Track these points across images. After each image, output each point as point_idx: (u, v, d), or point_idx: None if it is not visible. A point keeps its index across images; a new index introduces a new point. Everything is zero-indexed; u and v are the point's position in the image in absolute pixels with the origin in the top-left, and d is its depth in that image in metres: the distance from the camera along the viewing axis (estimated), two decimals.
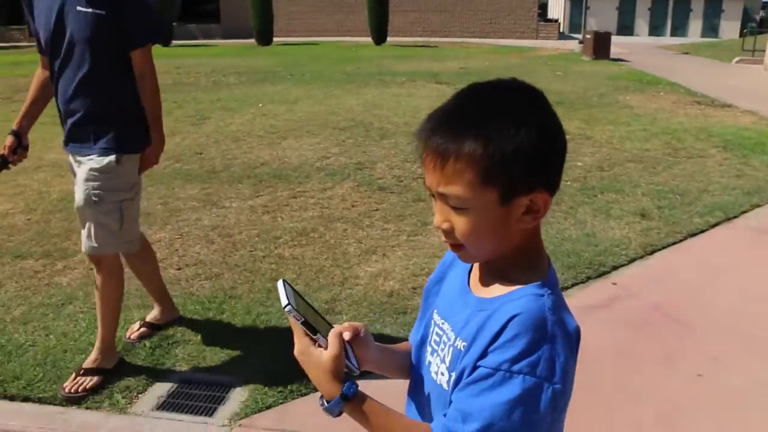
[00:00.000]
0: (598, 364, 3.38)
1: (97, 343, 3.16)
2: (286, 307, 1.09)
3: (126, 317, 3.67)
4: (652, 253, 4.94)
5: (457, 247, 1.10)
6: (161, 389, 3.08)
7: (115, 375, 3.14)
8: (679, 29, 45.86)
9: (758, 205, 6.14)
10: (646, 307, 4.11)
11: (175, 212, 5.64)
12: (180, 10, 37.83)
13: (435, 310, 1.24)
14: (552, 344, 1.00)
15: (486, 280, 1.14)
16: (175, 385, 3.09)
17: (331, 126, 9.33)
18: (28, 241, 5.03)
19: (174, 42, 31.72)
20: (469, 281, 1.19)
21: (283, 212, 5.59)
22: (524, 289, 1.06)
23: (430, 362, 1.20)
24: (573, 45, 29.73)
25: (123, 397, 3.01)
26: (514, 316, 1.01)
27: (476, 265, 1.19)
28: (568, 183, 6.58)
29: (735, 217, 5.82)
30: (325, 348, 1.12)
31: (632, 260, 4.77)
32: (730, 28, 44.60)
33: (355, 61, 20.83)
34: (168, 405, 2.96)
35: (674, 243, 5.16)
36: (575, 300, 4.13)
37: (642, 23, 46.07)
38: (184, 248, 4.78)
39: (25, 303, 3.92)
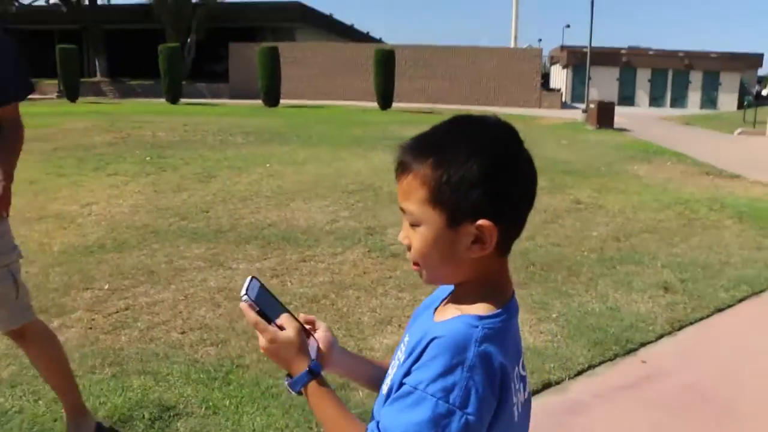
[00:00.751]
0: None
1: (66, 417, 2.88)
2: (243, 296, 1.14)
3: (124, 384, 3.41)
4: (680, 329, 4.69)
5: (415, 265, 1.14)
6: None
7: None
8: (678, 101, 46.48)
9: None
10: (679, 387, 3.85)
11: (179, 271, 5.41)
12: (190, 69, 38.41)
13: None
14: (471, 374, 1.01)
15: (445, 307, 1.17)
16: None
17: (340, 189, 9.19)
18: None
19: (182, 100, 32.10)
20: (438, 306, 1.21)
21: (293, 276, 5.37)
22: (463, 317, 1.08)
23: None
24: (576, 114, 30.01)
25: None
26: (435, 338, 1.04)
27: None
28: (585, 254, 6.39)
29: (762, 291, 5.60)
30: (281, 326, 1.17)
31: (660, 336, 4.52)
32: (727, 100, 45.24)
33: (361, 125, 20.92)
34: None
35: (702, 318, 4.92)
36: (605, 378, 3.89)
37: (642, 94, 46.69)
38: (189, 311, 4.54)
39: (15, 362, 3.65)
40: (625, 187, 10.30)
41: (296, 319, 1.21)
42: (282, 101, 31.92)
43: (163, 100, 32.77)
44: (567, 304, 4.98)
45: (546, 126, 23.71)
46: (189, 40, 41.49)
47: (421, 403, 1.00)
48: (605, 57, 42.02)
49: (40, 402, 3.23)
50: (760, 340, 4.67)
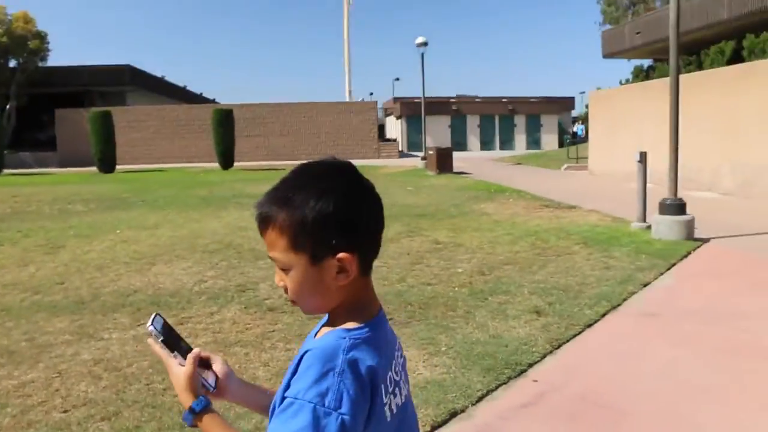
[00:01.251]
0: None
1: None
2: (149, 328, 1.22)
3: None
4: (558, 347, 4.97)
5: (293, 302, 1.24)
6: None
7: None
8: (506, 143, 49.56)
9: (634, 292, 6.45)
10: (573, 398, 4.07)
11: (45, 348, 5.00)
12: (10, 138, 36.02)
13: None
14: (341, 378, 1.11)
15: (321, 330, 1.27)
16: None
17: (200, 250, 8.94)
18: None
19: (4, 171, 29.97)
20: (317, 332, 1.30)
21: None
22: (332, 332, 1.20)
23: None
24: (415, 161, 31.11)
25: None
26: (308, 351, 1.15)
27: None
28: (456, 289, 6.60)
29: (619, 305, 6.06)
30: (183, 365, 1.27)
31: (543, 356, 4.76)
32: (549, 140, 48.96)
33: (206, 186, 20.52)
34: None
35: (575, 335, 5.23)
36: (504, 402, 4.02)
37: (473, 139, 49.34)
38: (67, 387, 4.20)
39: None
40: (477, 225, 10.77)
41: (193, 354, 1.31)
42: (117, 166, 30.68)
43: None
44: (452, 337, 5.12)
45: (389, 174, 24.39)
46: (8, 106, 39.00)
47: (300, 411, 1.08)
48: (437, 106, 44.13)
49: None
50: (630, 346, 5.06)
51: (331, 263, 1.17)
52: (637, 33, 27.10)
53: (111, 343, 5.08)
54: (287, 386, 1.13)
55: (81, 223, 11.98)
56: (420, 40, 28.81)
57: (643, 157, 9.69)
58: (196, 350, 1.32)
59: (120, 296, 6.54)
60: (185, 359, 1.29)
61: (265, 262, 7.97)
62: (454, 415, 3.80)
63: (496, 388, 4.20)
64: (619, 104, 20.03)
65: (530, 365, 4.58)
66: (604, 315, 5.76)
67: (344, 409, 1.09)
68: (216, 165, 31.45)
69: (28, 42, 40.49)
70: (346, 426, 1.09)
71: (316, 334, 1.28)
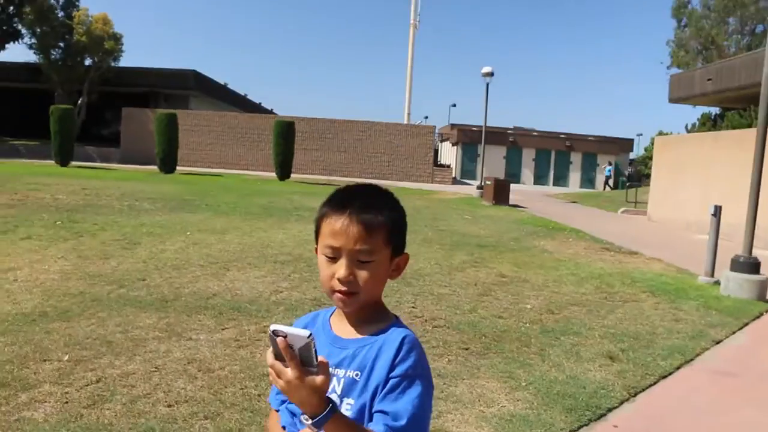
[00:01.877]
0: None
1: None
2: (309, 336, 1.26)
3: None
4: (635, 394, 5.00)
5: (351, 295, 1.49)
6: None
7: None
8: (560, 179, 49.17)
9: (707, 348, 6.42)
10: None
11: (139, 342, 5.23)
12: (79, 131, 37.16)
13: None
14: (424, 353, 1.50)
15: (357, 327, 1.54)
16: None
17: (271, 260, 9.15)
18: None
19: (72, 163, 30.92)
20: (334, 334, 1.57)
21: (258, 348, 5.30)
22: (393, 324, 1.54)
23: None
24: (469, 190, 31.19)
25: None
26: (405, 337, 1.47)
27: (337, 322, 1.58)
28: (528, 325, 6.66)
29: (692, 359, 6.04)
30: (316, 372, 1.30)
31: (621, 402, 4.81)
32: (603, 180, 48.35)
33: (264, 195, 20.87)
34: None
35: (651, 385, 5.26)
36: None
37: (527, 172, 49.10)
38: (167, 383, 4.40)
39: None
40: (540, 262, 10.80)
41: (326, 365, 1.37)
42: (178, 168, 31.39)
43: (50, 161, 31.44)
44: (530, 373, 5.19)
45: (444, 200, 24.49)
46: (80, 101, 40.28)
47: (412, 384, 1.42)
48: (494, 136, 44.10)
49: None
50: (708, 402, 5.07)
51: (397, 260, 1.56)
52: (709, 80, 26.72)
53: (200, 344, 5.29)
54: (391, 368, 1.43)
55: (152, 222, 12.34)
56: (486, 69, 28.99)
57: (717, 211, 9.62)
58: (321, 357, 1.34)
59: (200, 298, 6.77)
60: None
61: None
62: None
63: (578, 429, 4.27)
64: (686, 151, 19.75)
65: (609, 410, 4.64)
66: (678, 368, 5.75)
67: (431, 379, 1.48)
68: (272, 174, 31.93)
69: (104, 42, 41.86)
70: (433, 390, 1.49)
71: (334, 338, 1.56)
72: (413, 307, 7.04)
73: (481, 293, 8.02)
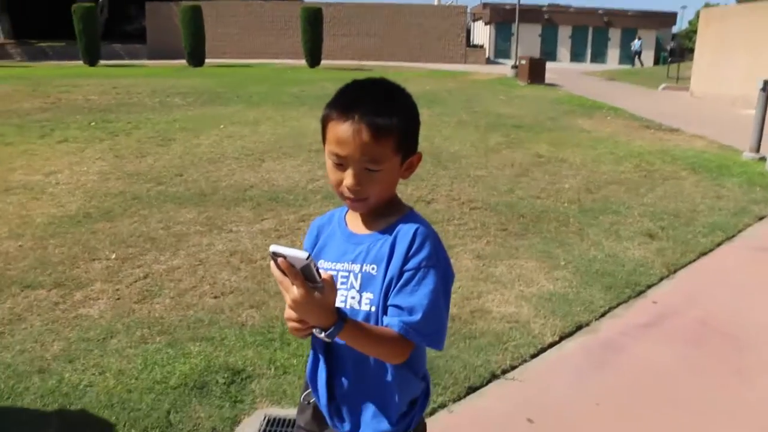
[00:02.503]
0: (677, 381, 3.37)
1: None
2: (308, 258, 1.23)
3: (183, 351, 3.41)
4: (674, 271, 5.00)
5: (360, 201, 1.45)
6: (250, 429, 2.84)
7: (192, 418, 2.88)
8: (598, 56, 47.63)
9: (749, 225, 6.34)
10: (694, 323, 4.14)
11: (181, 237, 5.35)
12: (104, 29, 36.77)
13: (321, 262, 1.54)
14: (440, 244, 1.46)
15: (370, 223, 1.51)
16: (264, 426, 2.85)
17: (306, 149, 9.15)
18: (30, 270, 4.64)
19: (100, 62, 30.78)
20: (349, 230, 1.55)
21: (298, 236, 5.39)
22: (406, 216, 1.50)
23: None
24: (503, 70, 30.44)
25: None
26: (417, 229, 1.43)
27: (352, 218, 1.56)
28: (566, 205, 6.63)
29: (734, 236, 5.98)
30: (322, 287, 1.28)
31: (660, 279, 4.82)
32: (645, 56, 46.57)
33: (295, 84, 20.63)
34: None
35: (691, 262, 5.25)
36: (626, 320, 4.14)
37: (564, 50, 47.61)
38: (212, 275, 4.52)
39: (60, 338, 3.59)
40: (577, 141, 10.62)
41: (332, 280, 1.34)
42: (206, 61, 31.07)
43: (78, 62, 31.27)
44: (569, 252, 5.21)
45: (478, 81, 23.99)
46: None
47: (427, 275, 1.40)
48: (528, 14, 42.56)
49: (107, 375, 3.20)
50: (748, 279, 5.04)
51: (408, 161, 1.49)
52: None
53: (240, 236, 5.38)
54: (405, 261, 1.41)
55: (184, 117, 12.35)
56: None
57: (766, 86, 9.26)
58: (326, 273, 1.32)
59: (237, 191, 6.83)
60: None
61: None
62: (579, 327, 3.95)
63: (617, 305, 4.32)
64: (734, 23, 18.79)
65: (648, 287, 4.67)
66: (719, 245, 5.71)
67: (450, 265, 1.47)
68: (302, 62, 31.45)
69: None
70: (452, 279, 1.49)
71: (350, 236, 1.53)
72: (450, 191, 7.03)
73: (518, 174, 7.96)
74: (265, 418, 2.88)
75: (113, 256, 4.89)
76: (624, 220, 6.22)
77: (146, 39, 39.89)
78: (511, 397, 3.19)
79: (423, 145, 7.30)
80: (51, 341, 3.55)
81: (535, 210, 6.38)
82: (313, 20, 30.22)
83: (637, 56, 43.10)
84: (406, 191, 6.77)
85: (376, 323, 1.44)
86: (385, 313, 1.43)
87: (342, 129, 1.40)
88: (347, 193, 1.44)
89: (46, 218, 5.91)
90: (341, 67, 30.64)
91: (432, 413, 2.98)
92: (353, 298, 1.47)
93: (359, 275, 1.47)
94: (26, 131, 10.77)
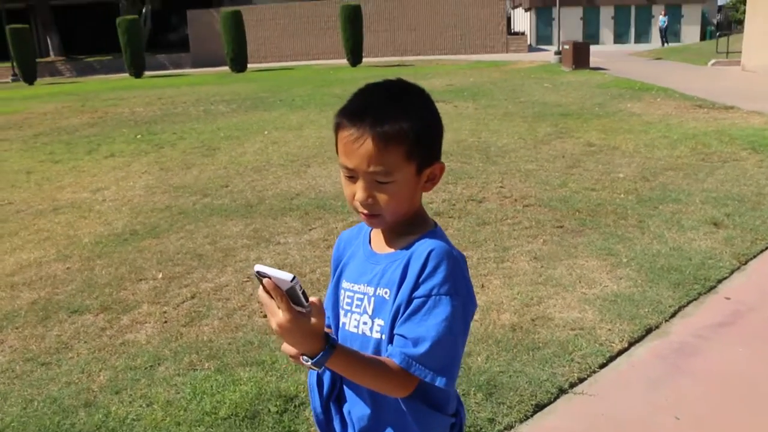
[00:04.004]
0: (758, 387, 3.12)
1: None
2: (293, 280, 1.15)
3: (233, 378, 3.28)
4: (746, 262, 4.70)
5: (374, 216, 1.33)
6: None
7: None
8: (642, 36, 46.40)
9: None
10: None
11: (229, 252, 5.24)
12: (147, 40, 37.34)
13: (343, 281, 1.46)
14: (461, 267, 1.31)
15: (390, 241, 1.39)
16: None
17: None
18: (78, 293, 4.60)
19: (145, 73, 31.26)
20: (370, 249, 1.43)
21: None
22: (425, 235, 1.35)
23: (344, 323, 1.42)
24: (546, 56, 29.87)
25: None
26: (432, 250, 1.29)
27: (375, 235, 1.44)
28: (622, 196, 6.35)
29: None
30: (309, 311, 1.19)
31: (731, 272, 4.52)
32: (690, 32, 45.31)
33: (338, 84, 20.56)
34: None
35: (763, 250, 4.92)
36: (699, 319, 3.87)
37: (607, 32, 46.53)
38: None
39: (107, 367, 3.50)
40: (628, 127, 10.25)
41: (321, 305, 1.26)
42: (248, 65, 31.27)
43: (125, 75, 31.86)
44: (630, 248, 4.94)
45: (521, 70, 23.56)
46: (144, 11, 40.25)
47: (438, 304, 1.26)
48: None
49: (155, 406, 3.08)
50: None
51: (427, 172, 1.34)
52: None
53: (289, 248, 5.26)
54: (414, 287, 1.27)
55: (228, 125, 12.35)
56: None
57: None
58: (314, 299, 1.24)
59: (284, 199, 6.72)
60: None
61: None
62: (649, 331, 3.70)
63: (688, 304, 4.05)
64: None
65: (719, 281, 4.37)
66: None
67: (471, 296, 1.31)
68: (344, 62, 31.41)
69: None
70: (473, 311, 1.34)
71: (372, 255, 1.42)
72: (501, 187, 6.80)
73: (570, 165, 7.68)
74: None
75: (160, 276, 4.82)
76: (685, 208, 5.91)
77: (189, 47, 40.35)
78: (581, 414, 2.98)
79: (470, 140, 7.14)
80: (98, 371, 3.47)
81: (591, 203, 6.11)
82: (353, 18, 30.18)
83: (662, 34, 41.55)
84: (456, 191, 6.57)
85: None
86: (391, 342, 1.32)
87: (349, 137, 1.30)
88: (360, 208, 1.34)
89: (93, 237, 5.89)
90: (383, 64, 30.53)
91: None
92: (365, 324, 1.38)
93: (372, 299, 1.37)
94: (74, 148, 10.91)
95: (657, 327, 3.75)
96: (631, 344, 3.55)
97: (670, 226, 5.44)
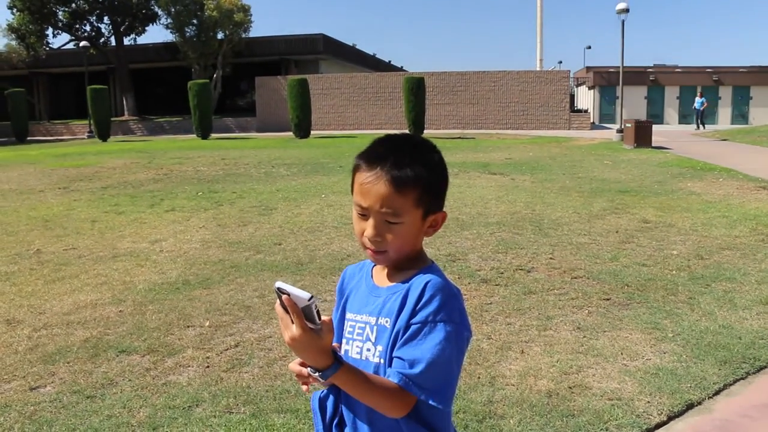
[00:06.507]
0: None
1: None
2: (310, 299, 1.28)
3: (267, 423, 3.33)
4: None
5: (380, 253, 1.46)
6: None
7: None
8: (708, 117, 45.92)
9: None
10: None
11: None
12: (216, 103, 38.82)
13: (347, 312, 1.58)
14: (456, 299, 1.42)
15: (392, 275, 1.52)
16: None
17: None
18: (127, 335, 4.75)
19: (212, 135, 32.38)
20: (373, 282, 1.56)
21: None
22: (423, 270, 1.48)
23: (347, 350, 1.53)
24: (608, 134, 29.79)
25: None
26: (429, 281, 1.41)
27: (377, 271, 1.57)
28: (674, 272, 6.25)
29: None
30: (320, 329, 1.31)
31: None
32: (759, 114, 44.48)
33: None
34: None
35: None
36: (745, 398, 3.76)
37: (671, 111, 46.21)
38: None
39: (148, 405, 3.60)
40: (687, 205, 10.12)
41: (331, 323, 1.40)
42: (312, 132, 32.09)
43: (192, 135, 33.10)
44: (677, 323, 4.85)
45: (583, 147, 23.55)
46: (215, 75, 41.98)
47: (434, 330, 1.37)
48: (633, 76, 41.77)
49: None
50: None
51: (432, 218, 1.48)
52: None
53: (332, 305, 5.32)
54: (412, 314, 1.39)
55: (288, 187, 12.67)
56: (621, 6, 27.30)
57: None
58: (325, 317, 1.36)
59: (335, 260, 6.84)
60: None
61: (471, 233, 8.03)
62: (690, 406, 3.61)
63: (734, 382, 3.93)
64: None
65: None
66: None
67: (466, 323, 1.42)
68: (405, 132, 31.93)
69: (233, 15, 43.11)
70: (468, 339, 1.43)
71: (373, 288, 1.54)
72: (551, 258, 6.78)
73: (623, 240, 7.61)
74: None
75: (207, 324, 4.94)
76: (740, 287, 5.78)
77: (256, 112, 41.73)
78: None
79: (524, 212, 7.19)
80: (138, 407, 3.57)
81: (641, 278, 6.04)
82: (417, 89, 30.82)
83: (697, 116, 38.10)
84: (505, 260, 6.58)
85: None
86: (389, 364, 1.42)
87: (366, 179, 1.44)
88: (368, 244, 1.46)
89: (147, 284, 6.09)
90: (444, 136, 30.92)
91: None
92: (368, 350, 1.49)
93: (374, 327, 1.48)
94: (138, 201, 11.34)
95: (699, 403, 3.65)
96: (670, 418, 3.47)
97: (722, 304, 5.33)
